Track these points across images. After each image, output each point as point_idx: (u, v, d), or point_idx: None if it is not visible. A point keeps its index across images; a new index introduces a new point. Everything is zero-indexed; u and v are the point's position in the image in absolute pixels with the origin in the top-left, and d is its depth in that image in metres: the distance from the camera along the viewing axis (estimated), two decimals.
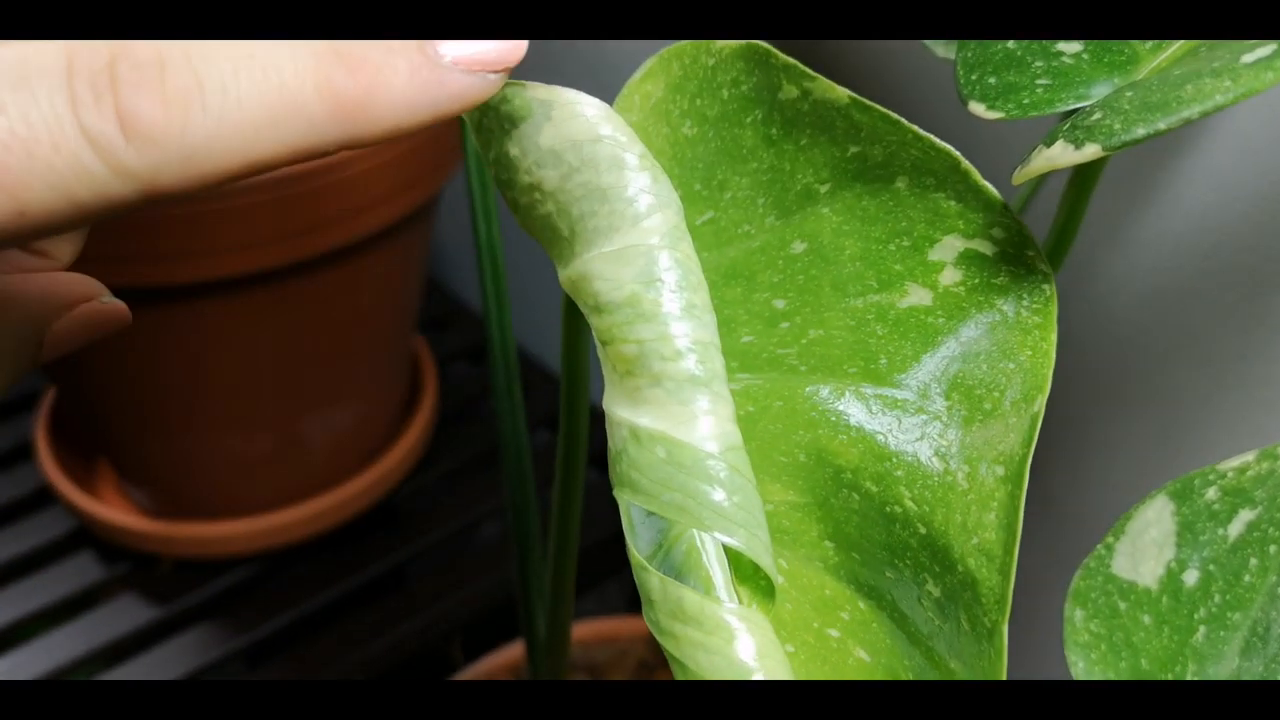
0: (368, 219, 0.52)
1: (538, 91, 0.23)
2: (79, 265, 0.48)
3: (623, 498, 0.23)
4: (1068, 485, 0.52)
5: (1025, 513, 0.21)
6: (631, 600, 0.72)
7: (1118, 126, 0.19)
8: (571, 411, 0.34)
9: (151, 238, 0.48)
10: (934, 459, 0.23)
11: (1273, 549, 0.27)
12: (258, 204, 0.48)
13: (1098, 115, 0.20)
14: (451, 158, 0.56)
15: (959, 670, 0.22)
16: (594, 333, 0.23)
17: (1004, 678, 0.20)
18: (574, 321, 0.33)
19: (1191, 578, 0.28)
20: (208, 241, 0.49)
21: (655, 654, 0.56)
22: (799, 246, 0.26)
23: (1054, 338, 0.22)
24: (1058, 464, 0.52)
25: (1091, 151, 0.19)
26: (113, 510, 0.63)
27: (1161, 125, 0.18)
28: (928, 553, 0.22)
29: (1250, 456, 0.29)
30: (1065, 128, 0.21)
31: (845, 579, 0.24)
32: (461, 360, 0.79)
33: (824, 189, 0.25)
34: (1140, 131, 0.19)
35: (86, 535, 0.65)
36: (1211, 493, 0.29)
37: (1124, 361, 0.48)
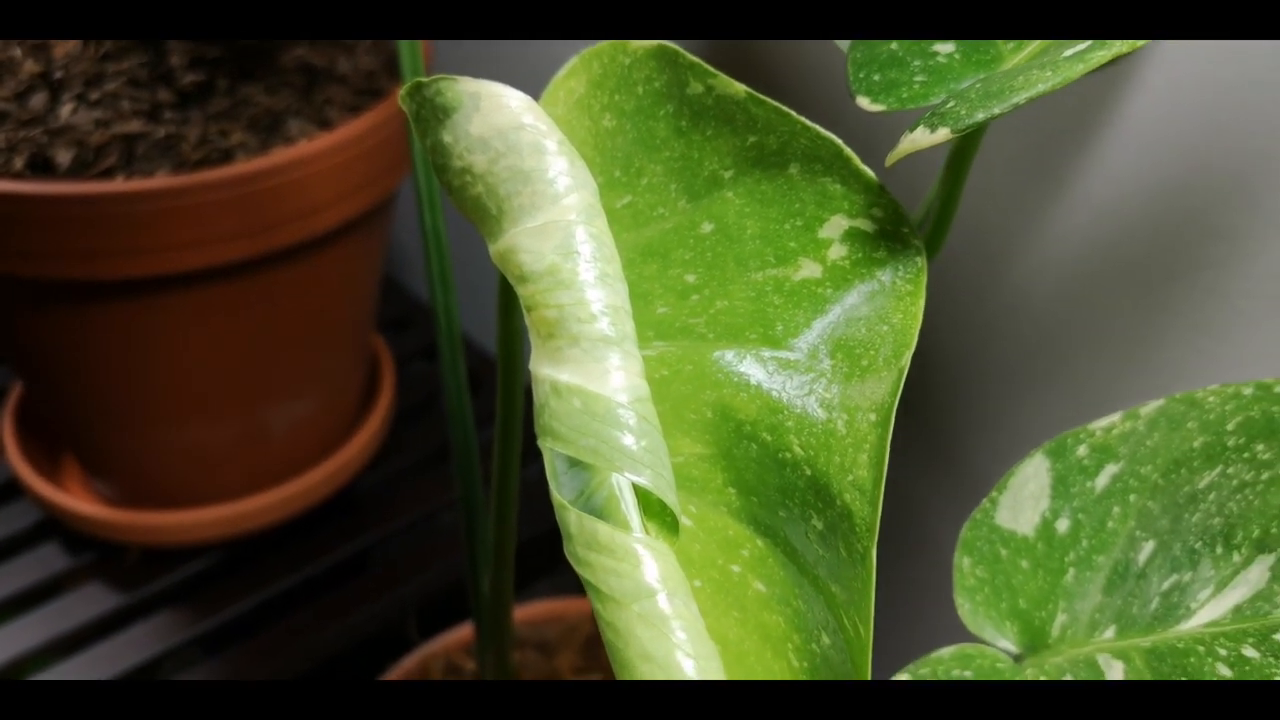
0: (325, 216, 0.55)
1: (468, 85, 0.26)
2: (35, 261, 0.50)
3: (545, 446, 0.26)
4: (988, 464, 0.56)
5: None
6: (581, 583, 0.74)
7: (963, 112, 0.22)
8: (508, 395, 0.37)
9: (113, 233, 0.51)
10: (819, 410, 0.26)
11: (1132, 498, 0.31)
12: (218, 201, 0.51)
13: (951, 104, 0.23)
14: (406, 158, 0.59)
15: (839, 593, 0.24)
16: (520, 300, 0.26)
17: (873, 596, 0.23)
18: (509, 308, 0.36)
19: (1063, 526, 0.32)
20: (169, 237, 0.51)
21: None
22: (707, 227, 0.29)
23: (922, 302, 0.25)
24: (979, 446, 0.56)
25: (943, 134, 0.22)
26: (78, 501, 0.65)
27: (996, 110, 0.22)
28: (813, 491, 0.25)
29: (1116, 417, 0.32)
30: (926, 116, 0.24)
31: (745, 520, 0.27)
32: (420, 359, 0.81)
33: (728, 175, 0.28)
34: (980, 116, 0.22)
35: (53, 526, 0.67)
36: (1082, 450, 0.32)
37: (1037, 349, 0.52)
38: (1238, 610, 0.27)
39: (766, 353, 0.27)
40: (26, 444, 0.67)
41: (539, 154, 0.25)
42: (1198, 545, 0.28)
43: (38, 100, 0.54)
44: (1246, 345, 0.44)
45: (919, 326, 0.24)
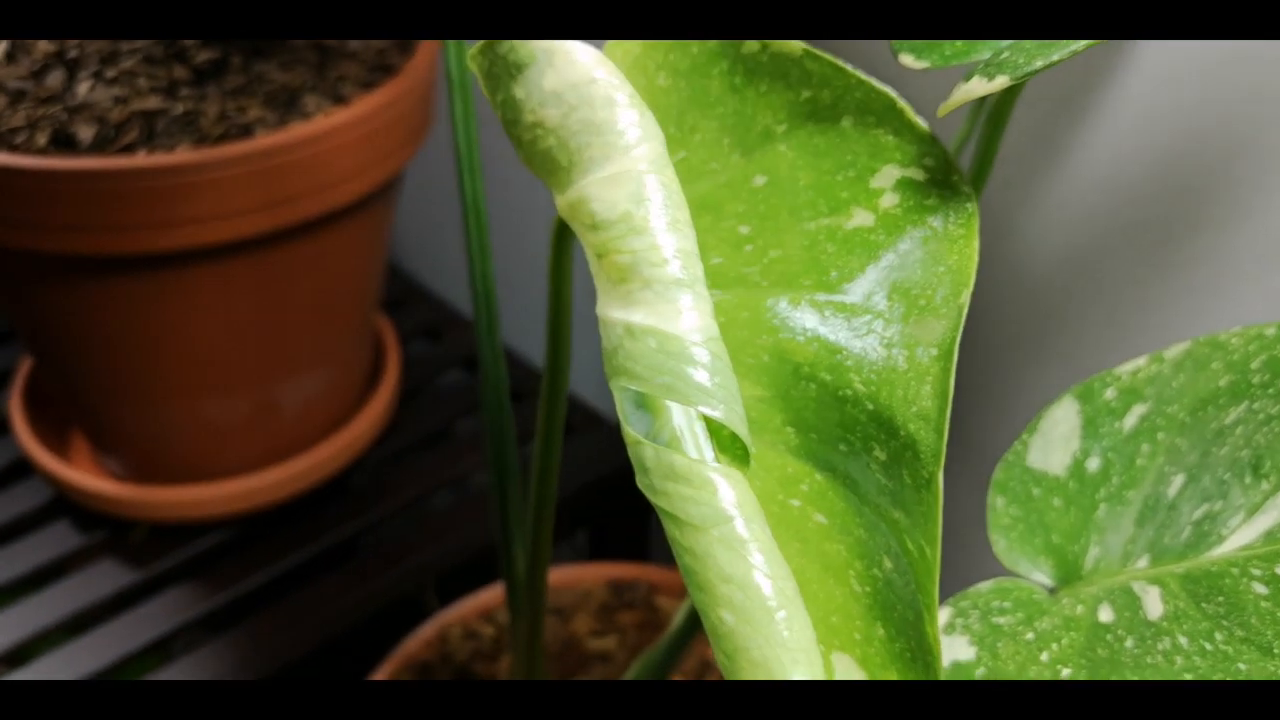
0: (341, 191, 0.56)
1: (539, 42, 0.27)
2: (57, 236, 0.51)
3: (619, 386, 0.27)
4: (992, 428, 0.57)
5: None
6: (594, 550, 0.76)
7: (1021, 61, 0.24)
8: (557, 347, 0.38)
9: (137, 207, 0.51)
10: (879, 348, 0.27)
11: (1160, 436, 0.32)
12: (240, 175, 0.52)
13: (1006, 54, 0.25)
14: (416, 135, 0.60)
15: (902, 519, 0.26)
16: (589, 249, 0.27)
17: (939, 520, 0.25)
18: (560, 267, 0.37)
19: (1094, 465, 0.33)
20: (191, 211, 0.52)
21: (615, 597, 0.60)
22: (760, 180, 0.30)
23: (976, 244, 0.27)
24: (981, 410, 0.58)
25: (1001, 82, 0.24)
26: (88, 477, 0.65)
27: (1055, 57, 0.23)
28: (875, 425, 0.26)
29: (1142, 360, 0.34)
30: (980, 66, 0.25)
31: (804, 457, 0.28)
32: (417, 339, 0.82)
33: (781, 129, 0.29)
34: (1039, 63, 0.23)
35: (64, 503, 0.67)
36: (1110, 393, 0.34)
37: (1040, 316, 0.54)
38: (1269, 534, 0.28)
39: (822, 297, 0.28)
40: (36, 422, 0.67)
41: (610, 106, 0.26)
42: (1226, 476, 0.30)
43: (54, 78, 0.54)
44: (1246, 303, 0.46)
45: (975, 267, 0.26)
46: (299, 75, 0.57)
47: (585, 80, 0.26)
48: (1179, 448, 0.32)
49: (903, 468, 0.26)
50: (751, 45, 0.29)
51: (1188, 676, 0.26)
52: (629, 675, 0.49)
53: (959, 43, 0.29)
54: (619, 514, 0.75)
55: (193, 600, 0.64)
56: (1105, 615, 0.30)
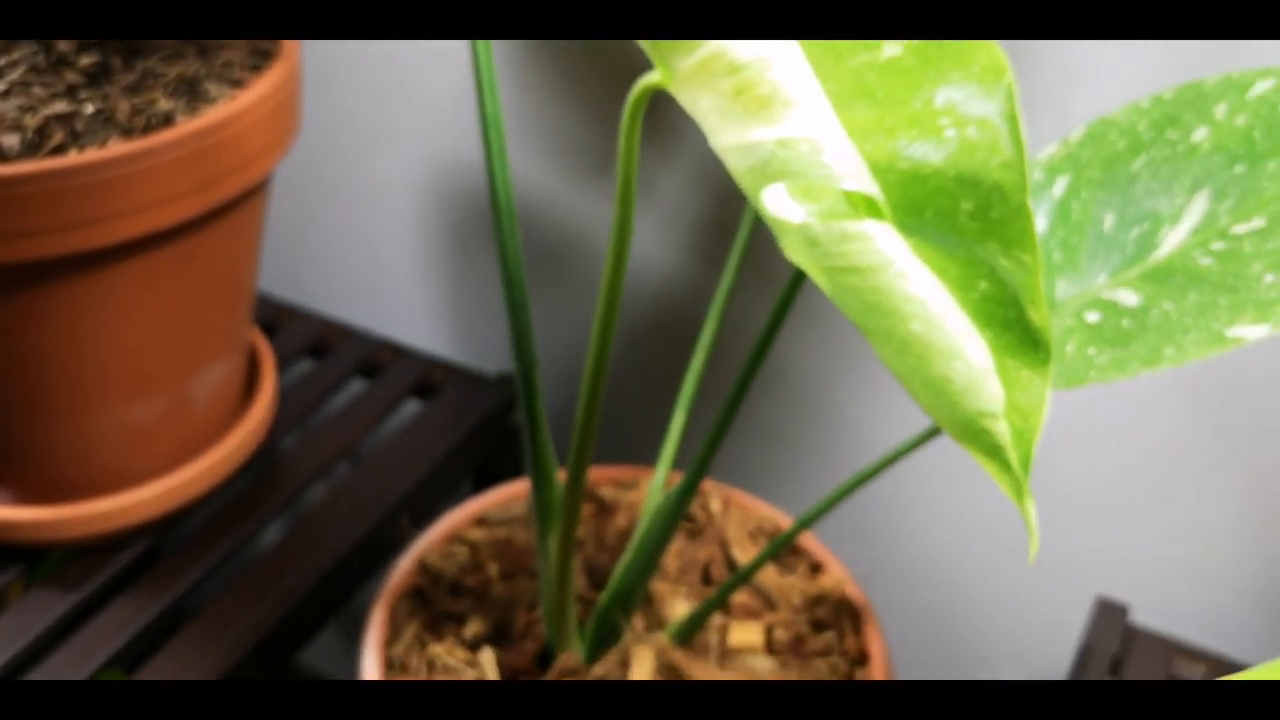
0: (255, 167, 0.59)
1: None
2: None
3: (773, 190, 0.35)
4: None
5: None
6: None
7: None
8: (621, 237, 0.44)
9: (78, 204, 0.53)
10: (954, 135, 0.37)
11: (1084, 193, 0.44)
12: (174, 160, 0.54)
13: None
14: (299, 111, 0.64)
15: (995, 246, 0.36)
16: (722, 92, 0.35)
17: (1033, 234, 0.35)
18: (629, 136, 0.44)
19: (1040, 226, 0.45)
20: (130, 201, 0.54)
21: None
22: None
23: (994, 45, 0.37)
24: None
25: None
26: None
27: None
28: (957, 184, 0.36)
29: (1052, 147, 0.45)
30: None
31: (908, 232, 0.37)
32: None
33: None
34: None
35: None
36: (1036, 174, 0.45)
37: None
38: (1194, 230, 0.41)
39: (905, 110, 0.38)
40: None
41: None
42: (1146, 204, 0.42)
43: None
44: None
45: (1002, 58, 0.36)
46: (189, 65, 0.59)
47: None
48: (1101, 198, 0.44)
49: (990, 208, 0.35)
50: None
51: (1189, 325, 0.38)
52: (639, 533, 0.56)
53: None
54: (500, 460, 0.81)
55: (144, 604, 0.64)
56: (1093, 317, 0.41)
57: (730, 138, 0.35)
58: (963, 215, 0.36)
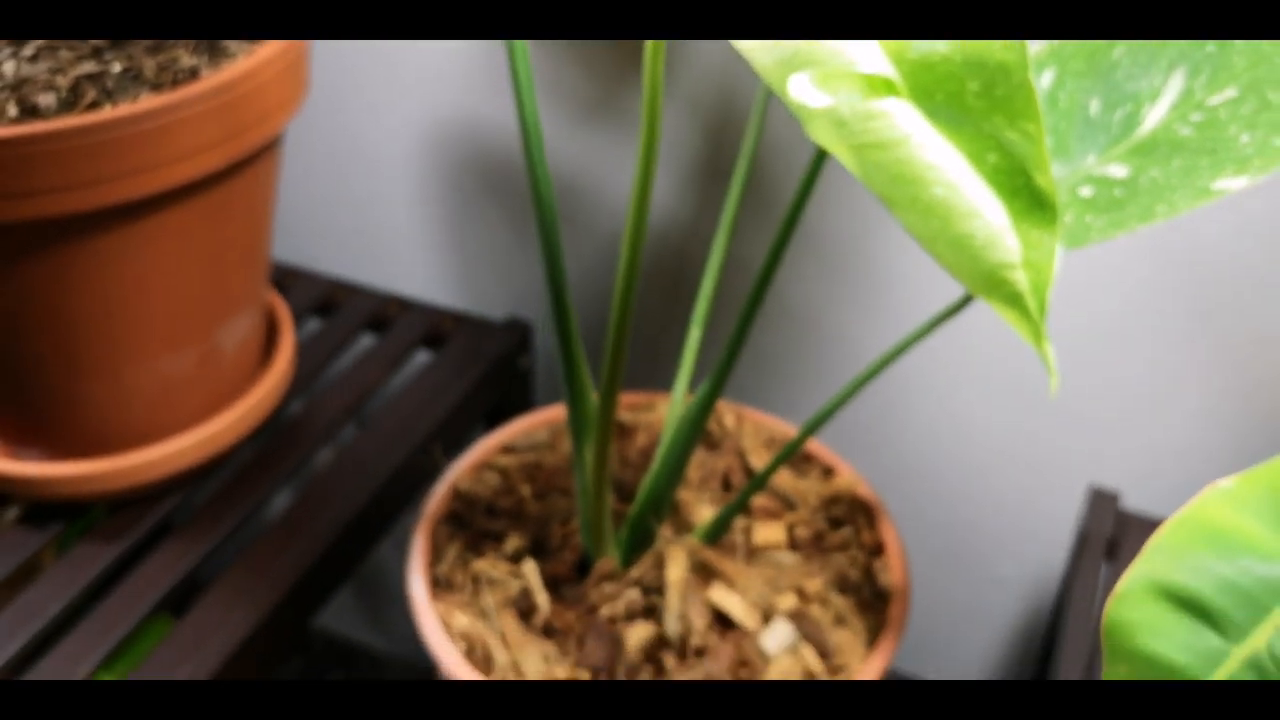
0: (276, 118, 0.62)
1: None
2: (28, 200, 0.54)
3: (798, 79, 0.38)
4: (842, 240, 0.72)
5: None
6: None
7: None
8: (637, 228, 0.48)
9: (117, 157, 0.55)
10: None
11: (1070, 82, 0.48)
12: (204, 112, 0.57)
13: None
14: (308, 70, 0.66)
15: (1001, 119, 0.39)
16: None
17: (1037, 106, 0.38)
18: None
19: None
20: (164, 153, 0.56)
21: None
22: None
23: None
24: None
25: None
26: (28, 466, 0.66)
27: None
28: (964, 68, 0.40)
29: (1037, 45, 0.49)
30: None
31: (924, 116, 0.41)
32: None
33: None
34: None
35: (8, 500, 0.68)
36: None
37: None
38: (1173, 106, 0.44)
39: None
40: None
41: None
42: (1128, 87, 0.46)
43: None
44: None
45: None
46: None
47: None
48: (1086, 86, 0.47)
49: (995, 87, 0.39)
50: None
51: (1176, 185, 0.41)
52: (664, 444, 0.60)
53: None
54: (512, 402, 0.85)
55: (186, 550, 0.67)
56: (1086, 192, 0.45)
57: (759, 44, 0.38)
58: (970, 95, 0.40)
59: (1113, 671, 0.31)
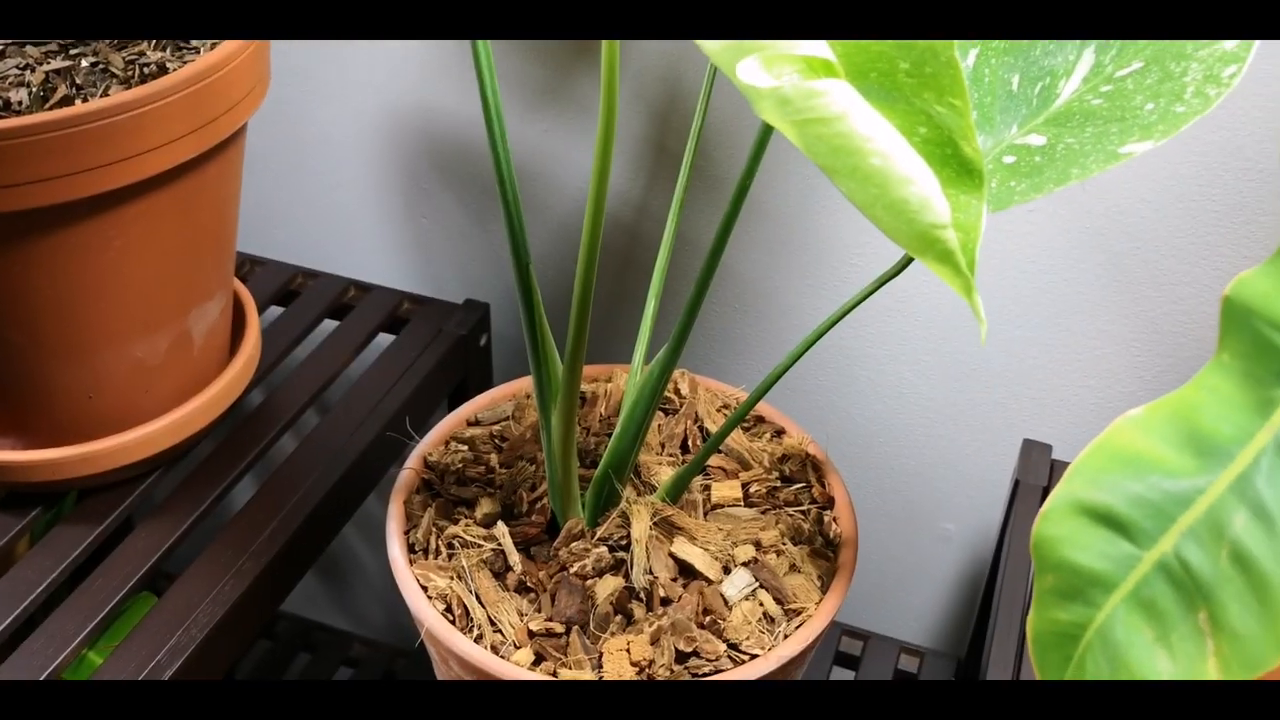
0: (243, 107, 0.64)
1: None
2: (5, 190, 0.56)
3: (746, 64, 0.42)
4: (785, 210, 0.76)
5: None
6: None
7: None
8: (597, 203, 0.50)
9: (92, 149, 0.57)
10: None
11: (993, 59, 0.52)
12: (176, 103, 0.59)
13: None
14: (268, 61, 0.69)
15: (930, 95, 0.43)
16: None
17: (963, 82, 0.42)
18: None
19: None
20: (137, 144, 0.59)
21: None
22: None
23: None
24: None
25: None
26: (10, 453, 0.68)
27: None
28: (896, 51, 0.43)
29: None
30: None
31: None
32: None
33: None
34: None
35: None
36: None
37: None
38: (1085, 78, 0.48)
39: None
40: None
41: None
42: (1045, 62, 0.50)
43: None
44: None
45: None
46: None
47: None
48: (1007, 63, 0.51)
49: (925, 65, 0.43)
50: None
51: (1089, 150, 0.46)
52: (625, 409, 0.63)
53: None
54: (474, 380, 0.88)
55: (170, 528, 0.69)
56: (1009, 160, 0.49)
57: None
58: (901, 74, 0.43)
59: (1041, 582, 0.35)
